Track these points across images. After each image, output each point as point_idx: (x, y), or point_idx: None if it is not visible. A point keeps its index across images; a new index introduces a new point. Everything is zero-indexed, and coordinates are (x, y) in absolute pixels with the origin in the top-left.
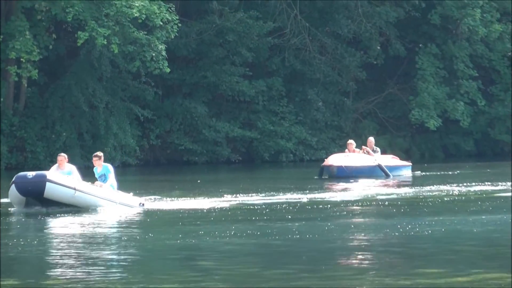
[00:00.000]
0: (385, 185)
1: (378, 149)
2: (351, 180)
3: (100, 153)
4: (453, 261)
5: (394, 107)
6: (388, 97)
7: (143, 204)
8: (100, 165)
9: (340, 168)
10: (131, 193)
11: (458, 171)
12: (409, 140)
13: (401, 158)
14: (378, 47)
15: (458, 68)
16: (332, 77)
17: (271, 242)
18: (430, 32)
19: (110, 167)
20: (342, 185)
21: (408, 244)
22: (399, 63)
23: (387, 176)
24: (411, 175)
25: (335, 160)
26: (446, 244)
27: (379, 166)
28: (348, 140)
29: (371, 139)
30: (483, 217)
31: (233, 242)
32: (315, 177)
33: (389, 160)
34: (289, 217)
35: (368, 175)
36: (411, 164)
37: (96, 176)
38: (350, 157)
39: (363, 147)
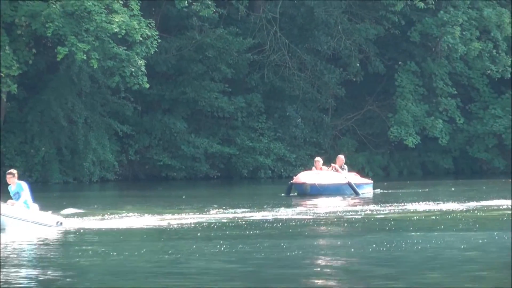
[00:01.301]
0: (359, 203)
1: (346, 166)
2: (323, 198)
3: (13, 171)
4: (441, 278)
5: (373, 124)
6: (367, 114)
7: (61, 223)
8: (14, 183)
9: (313, 186)
10: (50, 212)
11: (433, 189)
12: (388, 157)
13: (362, 176)
14: (358, 64)
15: (437, 86)
16: (311, 93)
17: (250, 258)
18: (409, 49)
19: (24, 184)
20: (316, 202)
21: (396, 260)
22: (378, 80)
23: (357, 194)
24: (373, 192)
25: (307, 177)
26: (433, 261)
27: (349, 184)
28: (315, 158)
29: (341, 157)
30: (471, 233)
31: (212, 259)
32: (282, 195)
33: (352, 177)
34: (269, 234)
35: (338, 193)
36: (372, 182)
37: (11, 194)
38: (321, 175)
39: (332, 164)
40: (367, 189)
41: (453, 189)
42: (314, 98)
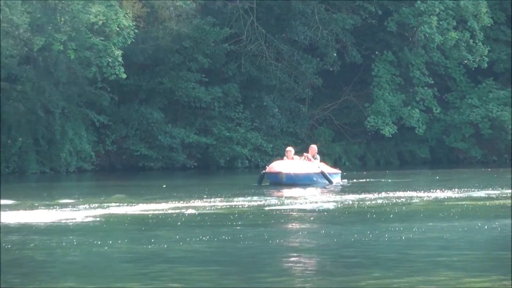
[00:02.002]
0: (338, 192)
1: (318, 156)
2: (298, 187)
3: None
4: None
5: (349, 114)
6: (344, 104)
7: None
8: None
9: (288, 175)
10: None
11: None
12: (365, 147)
13: (332, 166)
14: (335, 54)
15: (414, 76)
16: (288, 83)
17: (235, 247)
18: (386, 39)
19: None
20: (294, 191)
21: (377, 250)
22: (355, 70)
23: (330, 183)
24: (341, 182)
25: (282, 167)
26: (415, 251)
27: (323, 173)
28: (287, 147)
29: (314, 147)
30: (454, 223)
31: (188, 248)
32: (255, 184)
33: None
34: (251, 223)
35: (312, 182)
36: (340, 171)
37: None
38: (296, 164)
39: (304, 154)
40: (336, 179)
41: (437, 177)
42: (291, 88)
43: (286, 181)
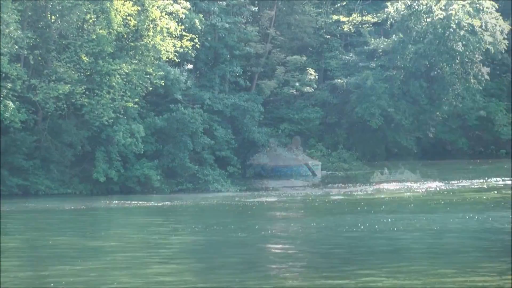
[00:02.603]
0: (326, 184)
1: (301, 148)
2: (282, 179)
3: None
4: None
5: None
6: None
7: None
8: None
9: (275, 167)
10: None
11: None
12: (352, 138)
13: (316, 158)
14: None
15: (402, 66)
16: None
17: (230, 236)
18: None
19: None
20: (278, 182)
21: (371, 241)
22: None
23: (314, 175)
24: (321, 174)
25: (267, 158)
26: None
27: (307, 165)
28: (270, 139)
29: (297, 138)
30: (446, 214)
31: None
32: (238, 176)
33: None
34: (242, 213)
35: (297, 173)
36: (320, 163)
37: None
38: (281, 156)
39: (287, 145)
40: (316, 170)
41: (424, 168)
42: None
43: (272, 172)
